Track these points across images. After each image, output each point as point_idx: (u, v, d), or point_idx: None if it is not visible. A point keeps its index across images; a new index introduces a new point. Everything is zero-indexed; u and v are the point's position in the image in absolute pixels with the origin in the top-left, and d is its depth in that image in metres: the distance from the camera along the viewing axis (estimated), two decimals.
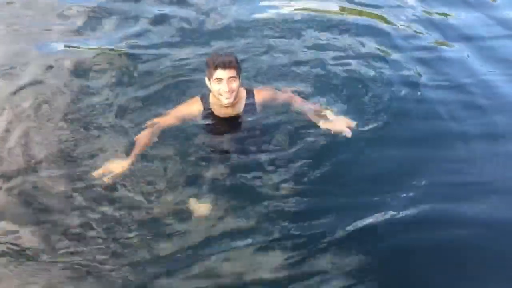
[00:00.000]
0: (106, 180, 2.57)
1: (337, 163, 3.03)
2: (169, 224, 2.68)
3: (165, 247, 2.57)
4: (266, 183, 2.88)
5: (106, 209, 2.74)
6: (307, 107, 2.93)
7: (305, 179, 2.91)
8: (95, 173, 2.61)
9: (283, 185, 2.88)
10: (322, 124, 2.67)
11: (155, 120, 2.96)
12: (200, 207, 2.77)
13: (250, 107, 2.95)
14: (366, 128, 3.25)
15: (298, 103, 3.00)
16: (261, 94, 3.00)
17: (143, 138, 2.83)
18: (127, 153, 2.82)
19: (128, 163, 2.66)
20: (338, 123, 2.63)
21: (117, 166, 2.62)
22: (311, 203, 2.79)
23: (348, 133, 2.54)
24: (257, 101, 2.96)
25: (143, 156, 2.90)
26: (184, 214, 2.73)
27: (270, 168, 2.95)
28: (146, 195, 2.81)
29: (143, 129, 2.92)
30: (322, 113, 2.79)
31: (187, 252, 2.55)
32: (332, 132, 2.63)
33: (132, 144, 2.85)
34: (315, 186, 2.89)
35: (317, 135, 3.06)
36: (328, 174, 2.95)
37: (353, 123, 2.61)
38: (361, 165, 3.07)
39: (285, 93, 3.11)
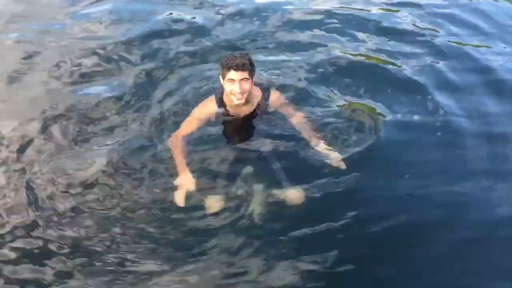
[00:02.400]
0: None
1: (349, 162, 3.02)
2: (183, 220, 2.77)
3: (179, 242, 2.69)
4: (276, 182, 2.93)
5: (124, 203, 2.88)
6: (310, 131, 3.02)
7: (314, 180, 2.94)
8: (178, 201, 2.73)
9: (293, 184, 2.92)
10: (320, 148, 2.90)
11: (178, 133, 3.03)
12: (214, 203, 2.83)
13: (264, 106, 3.02)
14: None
15: (303, 123, 3.06)
16: (277, 96, 3.07)
17: (177, 153, 2.92)
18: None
19: (191, 176, 2.80)
20: (334, 155, 2.86)
21: (188, 183, 2.77)
22: (318, 203, 2.85)
23: (343, 166, 2.80)
24: (272, 102, 3.03)
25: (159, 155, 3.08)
26: (197, 211, 2.81)
27: (280, 166, 2.99)
28: (160, 193, 2.91)
29: (168, 145, 3.03)
30: (319, 142, 2.94)
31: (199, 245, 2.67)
32: (327, 159, 2.85)
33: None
34: (324, 187, 2.93)
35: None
36: (339, 175, 2.96)
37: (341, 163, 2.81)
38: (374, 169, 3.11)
39: (297, 110, 3.15)
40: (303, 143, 3.06)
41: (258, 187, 2.88)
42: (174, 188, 2.78)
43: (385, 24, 4.77)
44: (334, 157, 2.84)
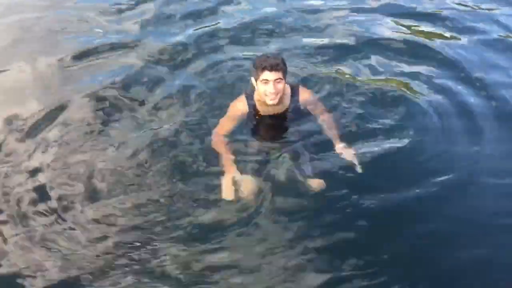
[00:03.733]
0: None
1: (373, 165, 3.08)
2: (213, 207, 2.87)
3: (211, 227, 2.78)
4: (304, 183, 2.97)
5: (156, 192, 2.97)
6: (333, 130, 3.11)
7: (340, 182, 2.99)
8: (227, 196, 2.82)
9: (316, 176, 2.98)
10: (340, 149, 2.99)
11: (216, 131, 3.12)
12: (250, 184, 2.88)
13: (294, 105, 3.08)
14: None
15: (328, 122, 3.15)
16: (305, 93, 3.14)
17: (224, 151, 2.99)
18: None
19: (241, 176, 2.87)
20: (350, 155, 2.94)
21: (250, 184, 2.86)
22: (340, 206, 2.90)
23: (358, 169, 2.87)
24: (301, 100, 3.10)
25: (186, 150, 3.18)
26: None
27: (310, 167, 3.04)
28: (192, 187, 2.99)
29: (212, 147, 3.09)
30: (340, 142, 3.05)
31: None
32: (344, 158, 2.94)
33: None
34: (349, 187, 2.97)
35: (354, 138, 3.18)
36: (365, 178, 2.99)
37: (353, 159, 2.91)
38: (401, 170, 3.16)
39: (324, 109, 3.23)
40: (328, 142, 3.13)
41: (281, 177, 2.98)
42: (223, 185, 2.85)
43: None
44: (348, 154, 2.92)
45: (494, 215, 2.87)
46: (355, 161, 2.89)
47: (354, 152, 2.95)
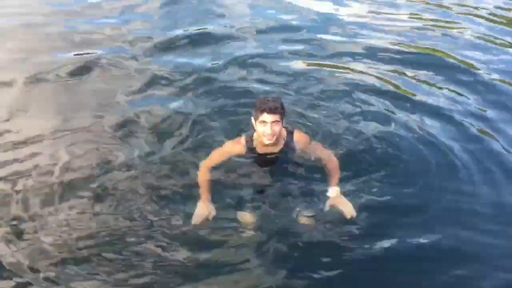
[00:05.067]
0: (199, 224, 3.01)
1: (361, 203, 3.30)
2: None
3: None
4: (293, 216, 3.19)
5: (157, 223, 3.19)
6: (334, 174, 3.25)
7: (330, 220, 3.18)
8: (194, 220, 3.01)
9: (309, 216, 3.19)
10: (333, 200, 3.11)
11: (205, 162, 3.36)
12: (248, 218, 3.16)
13: (289, 146, 3.29)
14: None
15: (331, 164, 3.31)
16: (301, 137, 3.35)
17: (204, 182, 3.23)
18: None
19: (211, 207, 3.08)
20: (346, 207, 3.04)
21: (206, 211, 3.04)
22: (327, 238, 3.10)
23: (349, 217, 3.00)
24: (296, 142, 3.30)
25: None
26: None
27: (299, 202, 3.26)
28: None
29: (196, 173, 3.34)
30: (335, 189, 3.17)
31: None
32: (338, 208, 3.06)
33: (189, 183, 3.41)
34: (338, 226, 3.16)
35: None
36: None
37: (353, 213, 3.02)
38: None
39: (323, 148, 3.45)
40: (321, 180, 3.34)
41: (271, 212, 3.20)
42: (196, 210, 3.06)
43: None
44: (346, 210, 3.02)
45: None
46: (345, 209, 3.01)
47: (345, 200, 3.07)
